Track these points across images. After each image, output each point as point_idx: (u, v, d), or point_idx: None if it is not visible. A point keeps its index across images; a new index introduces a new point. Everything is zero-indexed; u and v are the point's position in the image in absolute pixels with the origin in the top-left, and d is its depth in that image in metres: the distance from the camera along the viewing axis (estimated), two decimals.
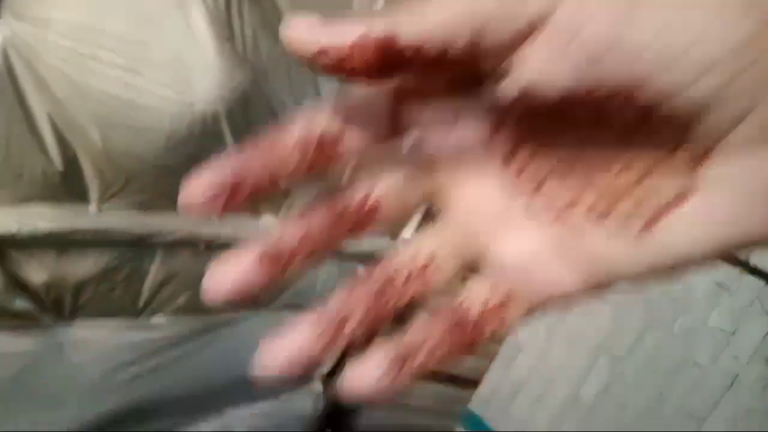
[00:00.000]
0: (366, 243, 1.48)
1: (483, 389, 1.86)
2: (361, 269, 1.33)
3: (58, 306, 1.10)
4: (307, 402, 1.94)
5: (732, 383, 1.45)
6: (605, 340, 1.66)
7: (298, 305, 1.59)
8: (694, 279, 1.52)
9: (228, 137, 1.01)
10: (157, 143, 0.95)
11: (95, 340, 1.26)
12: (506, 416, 1.80)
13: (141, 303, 1.27)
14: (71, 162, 0.94)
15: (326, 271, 1.63)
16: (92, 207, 1.01)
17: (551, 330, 1.75)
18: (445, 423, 1.88)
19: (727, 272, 1.46)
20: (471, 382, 1.92)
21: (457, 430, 1.89)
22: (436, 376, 1.97)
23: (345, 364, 0.14)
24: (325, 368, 1.89)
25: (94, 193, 1.00)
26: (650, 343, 1.60)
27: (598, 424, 1.65)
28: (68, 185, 0.96)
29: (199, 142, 0.97)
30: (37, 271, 1.02)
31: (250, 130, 1.06)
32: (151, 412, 1.47)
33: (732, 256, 1.39)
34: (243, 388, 1.67)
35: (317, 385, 1.95)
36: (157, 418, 1.53)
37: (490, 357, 1.86)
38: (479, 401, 1.86)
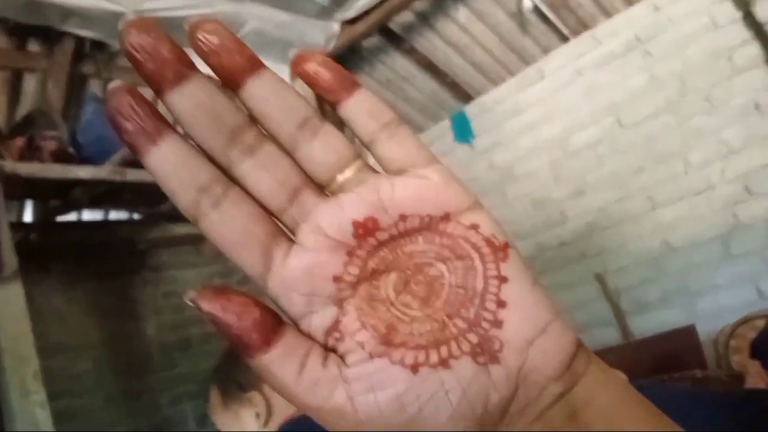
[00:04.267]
0: None
1: (484, 98, 1.90)
2: None
3: None
4: (321, 36, 1.85)
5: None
6: (620, 105, 1.64)
7: None
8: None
9: None
10: None
11: None
12: (492, 128, 1.88)
13: None
14: None
15: None
16: None
17: (575, 77, 1.72)
18: (435, 114, 1.97)
19: None
20: (467, 96, 1.94)
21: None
22: (438, 73, 1.92)
23: None
24: None
25: None
26: (658, 126, 1.59)
27: (566, 170, 1.73)
28: None
29: None
30: None
31: None
32: None
33: None
34: None
35: (335, 26, 1.87)
36: None
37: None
38: (475, 106, 1.92)
